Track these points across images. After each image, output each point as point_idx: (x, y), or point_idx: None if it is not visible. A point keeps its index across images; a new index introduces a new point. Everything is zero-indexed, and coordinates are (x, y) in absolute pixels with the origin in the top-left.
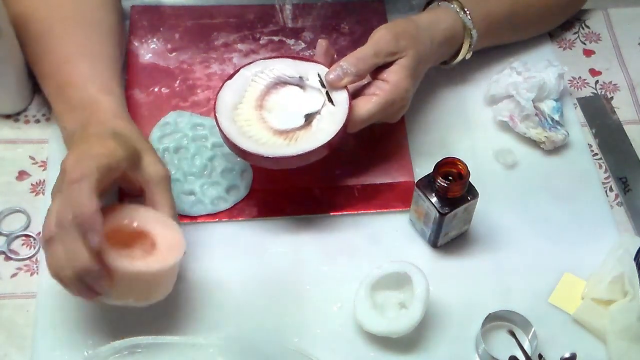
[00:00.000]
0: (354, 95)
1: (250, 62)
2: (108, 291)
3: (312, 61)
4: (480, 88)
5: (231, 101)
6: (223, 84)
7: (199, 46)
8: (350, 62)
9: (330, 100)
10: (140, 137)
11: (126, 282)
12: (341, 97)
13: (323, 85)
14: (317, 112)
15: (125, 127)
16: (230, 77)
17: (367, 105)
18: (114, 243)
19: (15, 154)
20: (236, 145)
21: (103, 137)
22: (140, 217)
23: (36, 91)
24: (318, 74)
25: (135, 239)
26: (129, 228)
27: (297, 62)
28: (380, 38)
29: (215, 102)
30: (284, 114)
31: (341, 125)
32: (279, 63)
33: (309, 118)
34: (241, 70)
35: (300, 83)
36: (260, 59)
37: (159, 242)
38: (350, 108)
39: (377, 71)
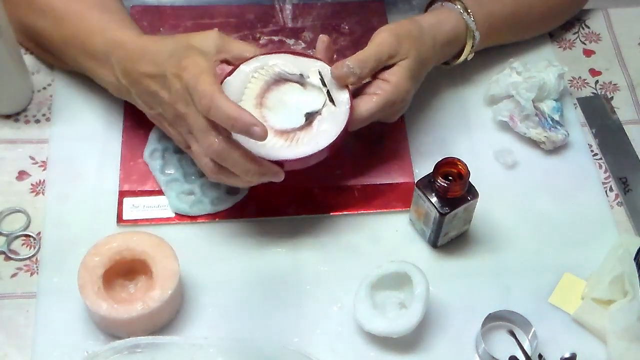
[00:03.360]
0: (354, 94)
1: (250, 58)
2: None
3: (313, 57)
4: (480, 88)
5: (231, 99)
6: (222, 81)
7: None
8: (353, 63)
9: (331, 100)
10: (186, 37)
11: (128, 325)
12: (342, 98)
13: (324, 84)
14: (318, 112)
15: (170, 43)
16: (230, 73)
17: (367, 104)
18: (118, 273)
19: (15, 154)
20: None
21: (191, 65)
22: (139, 246)
23: (36, 91)
24: (319, 72)
25: (138, 264)
26: (128, 258)
27: (298, 58)
28: (383, 41)
29: None
30: (285, 113)
31: (342, 127)
32: (278, 59)
33: (310, 117)
34: (240, 66)
35: (300, 80)
36: (260, 55)
37: (156, 272)
38: (352, 109)
39: (378, 71)
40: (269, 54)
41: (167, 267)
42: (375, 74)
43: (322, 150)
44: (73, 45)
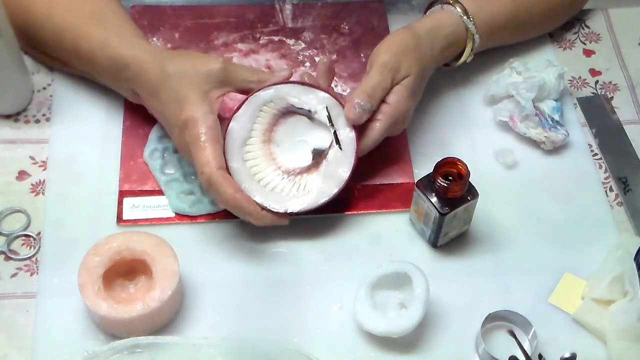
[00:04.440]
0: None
1: (259, 90)
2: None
3: (321, 89)
4: (480, 88)
5: (240, 136)
6: (231, 118)
7: (199, 46)
8: (363, 99)
9: (337, 142)
10: (186, 66)
11: (128, 325)
12: (349, 140)
13: (331, 122)
14: (325, 153)
15: (171, 74)
16: (237, 109)
17: (372, 133)
18: (118, 273)
19: (15, 154)
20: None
21: (182, 111)
22: (139, 246)
23: (36, 91)
24: (326, 109)
25: (138, 264)
26: (128, 258)
27: (307, 89)
28: (385, 63)
29: (225, 141)
30: (293, 148)
31: (348, 174)
32: (288, 89)
33: (316, 156)
34: (249, 99)
35: (308, 115)
36: (268, 86)
37: (156, 272)
38: (357, 152)
39: None
40: (278, 84)
41: (167, 267)
42: None
43: (328, 200)
44: (75, 57)
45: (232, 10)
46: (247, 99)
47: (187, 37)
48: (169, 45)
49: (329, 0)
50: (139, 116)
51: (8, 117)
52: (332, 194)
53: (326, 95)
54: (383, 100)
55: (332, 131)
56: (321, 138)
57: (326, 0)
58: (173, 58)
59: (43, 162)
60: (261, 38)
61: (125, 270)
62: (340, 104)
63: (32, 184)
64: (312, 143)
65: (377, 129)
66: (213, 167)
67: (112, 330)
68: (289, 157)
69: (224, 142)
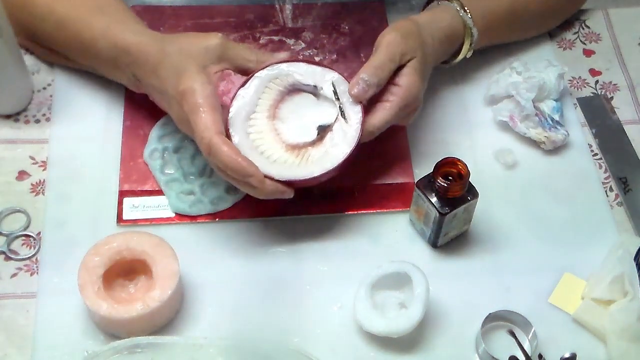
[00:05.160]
0: (368, 101)
1: (264, 67)
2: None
3: (327, 67)
4: (480, 88)
5: (244, 111)
6: (236, 93)
7: None
8: (370, 73)
9: (343, 115)
10: (185, 43)
11: (127, 325)
12: (355, 114)
13: (337, 96)
14: (330, 127)
15: (172, 52)
16: (243, 84)
17: (382, 113)
18: (119, 273)
19: (15, 154)
20: None
21: (178, 81)
22: (139, 246)
23: (36, 91)
24: (332, 84)
25: (138, 264)
26: (128, 258)
27: (312, 67)
28: (391, 41)
29: (228, 114)
30: (297, 125)
31: (352, 146)
32: (292, 67)
33: (322, 131)
34: (254, 75)
35: (314, 91)
36: (275, 63)
37: (156, 272)
38: (363, 124)
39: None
40: (284, 62)
41: (167, 267)
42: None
43: (331, 170)
44: (77, 48)
45: (232, 10)
46: (253, 74)
47: None
48: None
49: (329, 0)
50: (139, 116)
51: (8, 117)
52: (338, 163)
53: (332, 72)
54: (394, 83)
55: (338, 105)
56: (326, 114)
57: (326, 0)
58: (173, 38)
59: (43, 162)
60: (261, 38)
61: (125, 270)
62: (347, 81)
63: (32, 184)
64: (317, 119)
65: (387, 109)
66: (213, 132)
67: (112, 330)
68: (293, 133)
69: (228, 116)
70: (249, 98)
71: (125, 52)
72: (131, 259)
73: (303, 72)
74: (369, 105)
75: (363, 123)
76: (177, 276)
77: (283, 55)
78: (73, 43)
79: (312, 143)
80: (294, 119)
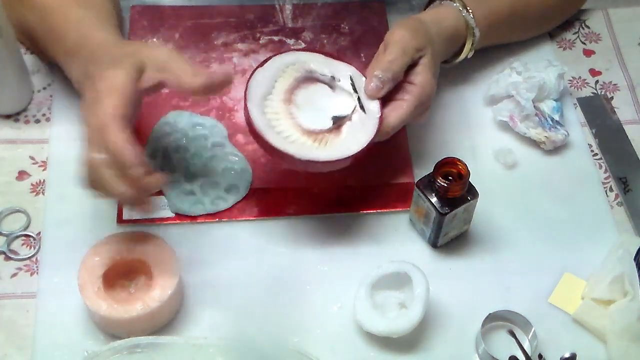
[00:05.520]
0: (383, 99)
1: (283, 52)
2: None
3: (344, 62)
4: (480, 88)
5: (261, 91)
6: (254, 72)
7: (199, 46)
8: (384, 68)
9: (362, 107)
10: (132, 46)
11: (127, 325)
12: (373, 106)
13: (355, 90)
14: (347, 117)
15: (122, 50)
16: (262, 64)
17: (398, 112)
18: (118, 275)
19: (15, 154)
20: (266, 141)
21: (104, 72)
22: (138, 246)
23: (36, 91)
24: (350, 77)
25: (137, 266)
26: (127, 259)
27: (329, 60)
28: (402, 37)
29: (246, 90)
30: (313, 113)
31: (372, 136)
32: (311, 57)
33: (337, 121)
34: (273, 58)
35: (331, 83)
36: (293, 50)
37: (155, 273)
38: (382, 119)
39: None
40: (302, 51)
41: (167, 267)
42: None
43: (351, 156)
44: (52, 39)
45: (232, 10)
46: (271, 57)
47: (187, 37)
48: (169, 45)
49: (329, 0)
50: (139, 116)
51: (8, 117)
52: (358, 150)
53: (349, 66)
54: (409, 82)
55: (356, 97)
56: (342, 105)
57: (326, 0)
58: (133, 43)
59: (43, 162)
60: (261, 38)
61: (125, 271)
62: (364, 76)
63: (32, 184)
64: (332, 110)
65: (404, 108)
66: (113, 115)
67: (112, 330)
68: (309, 119)
69: (245, 92)
70: (266, 79)
71: (87, 45)
72: (131, 259)
73: (320, 63)
74: (384, 103)
75: (381, 115)
76: (177, 276)
77: (226, 80)
78: (49, 33)
79: (329, 131)
80: (308, 106)
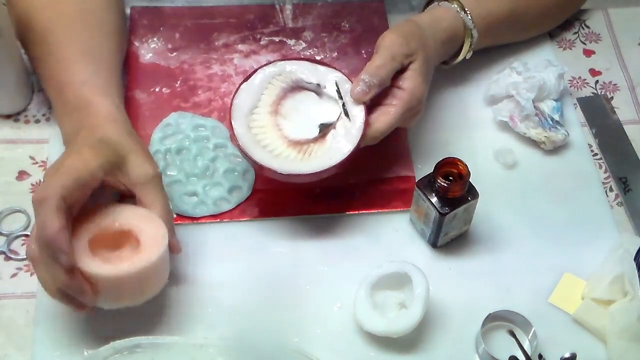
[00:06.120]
0: (371, 104)
1: (268, 63)
2: (100, 299)
3: (330, 67)
4: (480, 88)
5: (247, 105)
6: (239, 86)
7: (199, 46)
8: (371, 73)
9: (346, 114)
10: (128, 140)
11: (114, 287)
12: (358, 113)
13: (340, 96)
14: (332, 125)
15: (114, 130)
16: (247, 78)
17: (385, 117)
18: (103, 245)
19: (15, 154)
20: (250, 157)
21: (80, 147)
22: (124, 216)
23: (36, 91)
24: (336, 83)
25: (123, 237)
26: (113, 228)
27: (315, 66)
28: (392, 42)
29: (230, 107)
30: (299, 122)
31: (355, 144)
32: (296, 65)
33: (324, 129)
34: (258, 71)
35: (317, 90)
36: (278, 60)
37: (143, 239)
38: (366, 125)
39: (392, 79)
40: (288, 59)
41: (154, 233)
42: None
43: (334, 166)
44: (51, 86)
45: (232, 11)
46: (257, 69)
47: (188, 37)
48: (170, 46)
49: (329, 0)
50: (141, 118)
51: (8, 117)
52: (340, 160)
53: (335, 72)
54: (397, 86)
55: (341, 103)
56: (329, 112)
57: (326, 0)
58: (129, 137)
59: (43, 162)
60: (262, 39)
61: (111, 242)
62: (350, 81)
63: (32, 184)
64: (319, 117)
65: (392, 113)
66: (58, 195)
67: (103, 297)
68: (295, 129)
69: (230, 110)
70: (252, 93)
71: (90, 113)
72: (116, 229)
73: (306, 71)
74: (372, 108)
75: (366, 122)
76: (164, 240)
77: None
78: (49, 80)
79: (315, 140)
80: (296, 116)
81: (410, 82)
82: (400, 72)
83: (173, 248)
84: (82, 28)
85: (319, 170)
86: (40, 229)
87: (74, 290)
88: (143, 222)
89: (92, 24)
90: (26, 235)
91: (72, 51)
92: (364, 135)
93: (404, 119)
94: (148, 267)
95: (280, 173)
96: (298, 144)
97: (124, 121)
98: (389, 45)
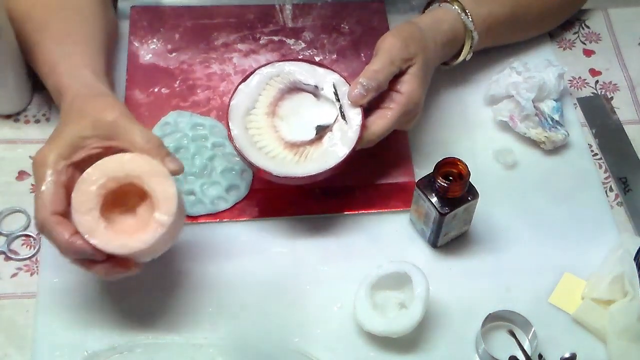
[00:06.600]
0: (369, 106)
1: (266, 64)
2: (136, 262)
3: (329, 69)
4: (480, 88)
5: (244, 106)
6: (237, 87)
7: (199, 46)
8: (369, 77)
9: (343, 116)
10: (90, 113)
11: (149, 252)
12: (355, 115)
13: (337, 98)
14: (329, 127)
15: (77, 112)
16: (245, 79)
17: (382, 120)
18: (116, 201)
19: (15, 154)
20: (246, 159)
21: (63, 127)
22: (134, 169)
23: (36, 91)
24: (333, 85)
25: (134, 190)
26: (125, 182)
27: (314, 67)
28: (392, 46)
29: (228, 108)
30: (296, 123)
31: (351, 148)
32: (294, 66)
33: (320, 131)
34: (256, 72)
35: (314, 91)
36: (276, 61)
37: (152, 192)
38: (362, 128)
39: (390, 82)
40: (286, 61)
41: (163, 187)
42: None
43: (329, 169)
44: (33, 62)
45: (232, 11)
46: (255, 70)
47: (187, 37)
48: (169, 46)
49: (329, 0)
50: (139, 117)
51: (8, 117)
52: (335, 163)
53: (333, 73)
54: (395, 90)
55: (338, 106)
56: (326, 114)
57: (326, 0)
58: (88, 97)
59: None
60: (261, 38)
61: (118, 201)
62: (348, 83)
63: (32, 184)
64: (316, 119)
65: (389, 117)
66: (48, 212)
67: (138, 260)
68: (292, 131)
69: (227, 111)
70: (250, 94)
71: (64, 95)
72: (128, 182)
73: (304, 72)
74: (370, 111)
75: (363, 125)
76: (173, 189)
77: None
78: (33, 62)
79: (311, 142)
80: (293, 117)
81: (408, 85)
82: (398, 75)
83: (174, 172)
84: (58, 12)
85: (314, 173)
86: (60, 247)
87: (88, 255)
88: (152, 177)
89: (68, 7)
90: (26, 235)
91: (46, 35)
92: (360, 138)
93: (401, 122)
94: (172, 222)
95: (275, 175)
96: (294, 145)
97: (107, 93)
98: (388, 49)
